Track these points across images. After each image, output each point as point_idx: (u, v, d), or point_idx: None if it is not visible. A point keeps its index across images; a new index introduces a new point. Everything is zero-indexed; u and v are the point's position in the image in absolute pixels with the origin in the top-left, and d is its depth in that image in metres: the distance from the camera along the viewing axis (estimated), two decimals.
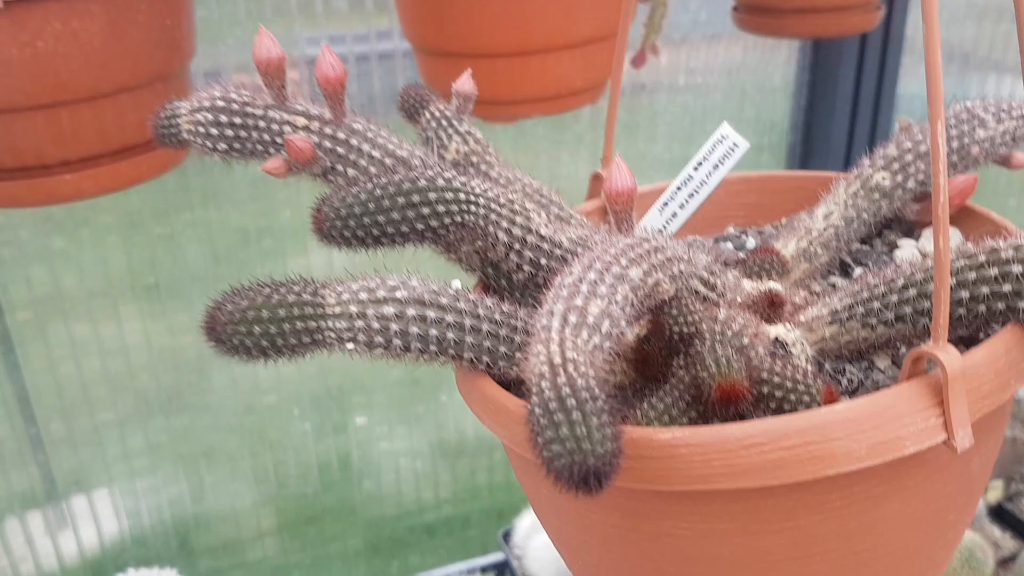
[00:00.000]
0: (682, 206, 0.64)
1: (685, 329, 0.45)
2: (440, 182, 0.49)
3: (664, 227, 0.65)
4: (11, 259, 1.31)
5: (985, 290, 0.44)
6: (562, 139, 1.50)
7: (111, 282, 1.40)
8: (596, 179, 0.65)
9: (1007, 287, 0.43)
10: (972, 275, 0.44)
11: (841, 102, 1.57)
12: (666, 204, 0.64)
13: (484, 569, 1.65)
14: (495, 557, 1.66)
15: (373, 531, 1.77)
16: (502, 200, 0.50)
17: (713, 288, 0.49)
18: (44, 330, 1.38)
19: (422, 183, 0.48)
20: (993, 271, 0.43)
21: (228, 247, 1.44)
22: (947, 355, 0.40)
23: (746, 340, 0.45)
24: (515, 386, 0.49)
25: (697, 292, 0.48)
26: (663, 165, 1.60)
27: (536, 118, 1.40)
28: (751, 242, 0.63)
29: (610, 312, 0.40)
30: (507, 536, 1.62)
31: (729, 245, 0.63)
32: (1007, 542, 1.66)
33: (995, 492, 1.75)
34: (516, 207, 0.51)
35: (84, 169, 0.90)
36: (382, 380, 1.65)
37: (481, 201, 0.49)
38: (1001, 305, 0.43)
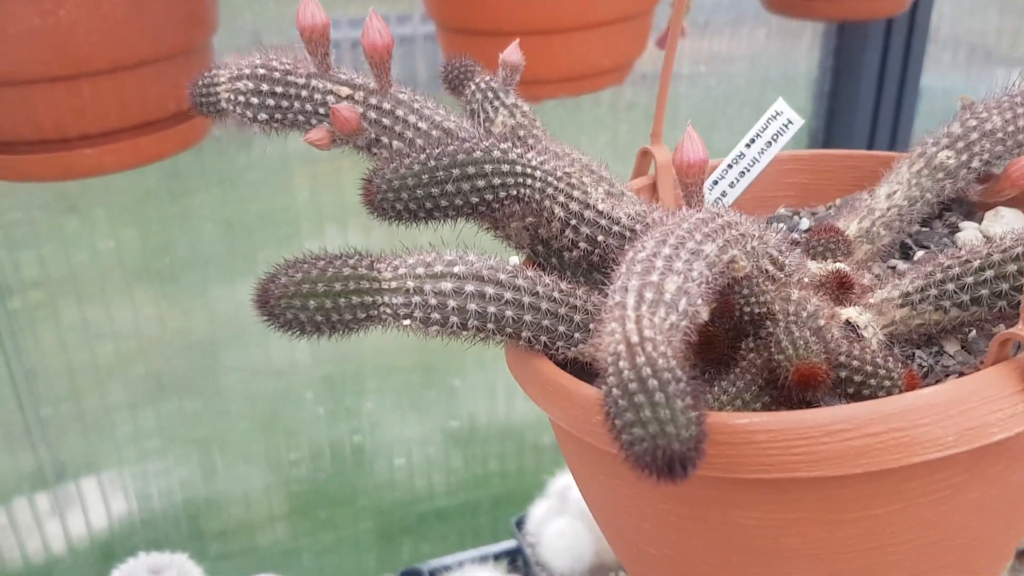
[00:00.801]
0: (732, 184, 0.62)
1: (757, 310, 0.43)
2: (496, 153, 0.47)
3: None
4: (24, 238, 1.29)
5: None
6: (581, 121, 1.48)
7: (124, 262, 1.38)
8: (644, 155, 0.63)
9: None
10: None
11: (865, 88, 1.55)
12: (716, 183, 0.62)
13: (496, 556, 1.64)
14: (507, 544, 1.64)
15: (384, 517, 1.76)
16: (559, 173, 0.48)
17: (782, 268, 0.47)
18: (57, 310, 1.36)
19: (477, 154, 0.46)
20: None
21: (243, 228, 1.42)
22: None
23: (822, 322, 0.43)
24: (570, 366, 0.47)
25: (766, 271, 0.46)
26: None
27: (556, 100, 1.38)
28: (804, 223, 0.61)
29: (687, 289, 0.38)
30: (520, 523, 1.61)
31: (782, 226, 0.61)
32: None
33: None
34: (574, 180, 0.48)
35: (104, 144, 0.88)
36: (395, 365, 1.64)
37: (538, 174, 0.47)
38: None
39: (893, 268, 0.56)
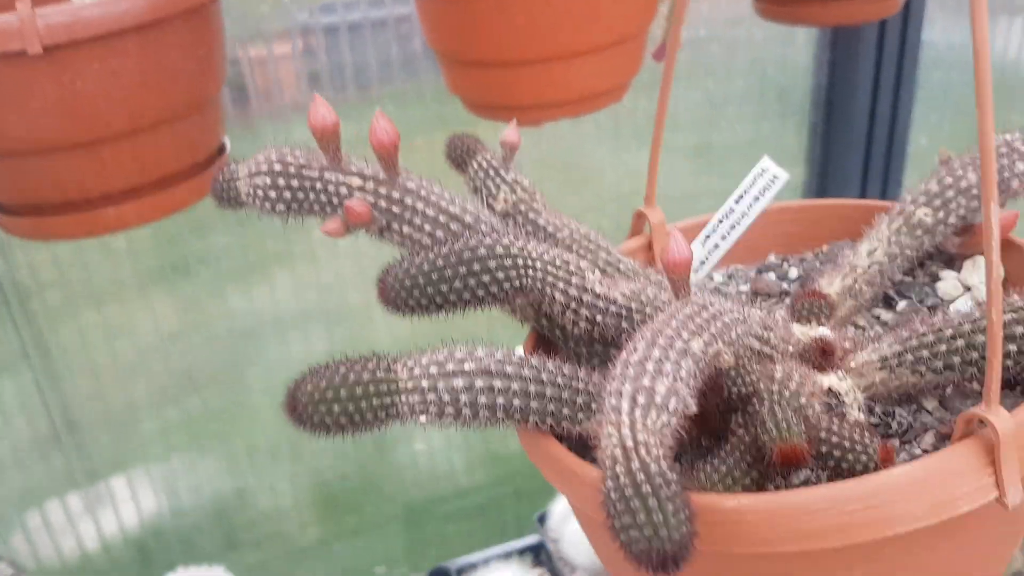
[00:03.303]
0: (724, 237, 0.66)
1: (744, 390, 0.47)
2: (499, 249, 0.50)
3: (706, 258, 0.66)
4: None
5: None
6: (583, 133, 1.51)
7: (138, 263, 1.42)
8: (639, 217, 0.66)
9: None
10: (1019, 329, 0.46)
11: (863, 79, 1.57)
12: (708, 236, 0.66)
13: (521, 552, 1.69)
14: (531, 540, 1.70)
15: (408, 513, 1.81)
16: (558, 262, 0.52)
17: (767, 342, 0.51)
18: (76, 312, 1.41)
19: (482, 251, 0.50)
20: None
21: (253, 222, 1.46)
22: (998, 418, 0.42)
23: (803, 400, 0.47)
24: (578, 442, 0.51)
25: (752, 348, 0.50)
26: (687, 152, 1.60)
27: None
28: (793, 272, 0.65)
29: (676, 389, 0.42)
30: (542, 519, 1.66)
31: (771, 275, 0.65)
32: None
33: None
34: (572, 268, 0.52)
35: (125, 201, 0.92)
36: None
37: (538, 265, 0.51)
38: None
39: (877, 317, 0.60)
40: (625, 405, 0.41)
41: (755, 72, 1.57)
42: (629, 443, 0.39)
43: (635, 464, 0.38)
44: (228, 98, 1.36)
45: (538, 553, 1.67)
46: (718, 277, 0.67)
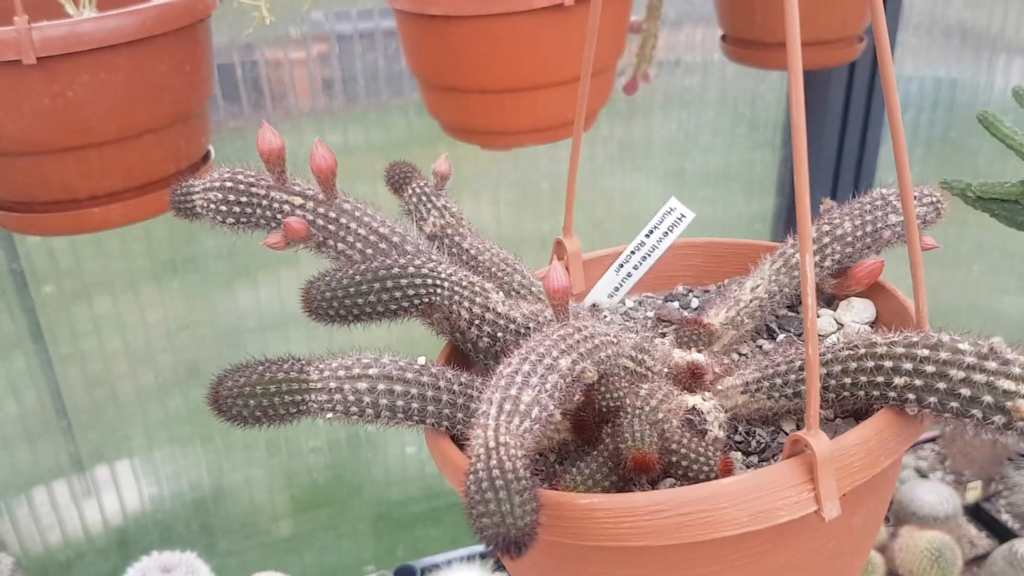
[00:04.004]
0: (636, 267, 0.72)
1: (611, 404, 0.54)
2: (411, 269, 0.57)
3: (620, 285, 0.73)
4: None
5: (863, 379, 0.52)
6: (557, 155, 1.58)
7: (131, 261, 1.49)
8: (559, 245, 0.73)
9: (880, 378, 0.51)
10: (853, 365, 0.52)
11: (832, 117, 1.63)
12: (621, 266, 0.72)
13: (483, 555, 1.76)
14: None
15: (379, 513, 1.88)
16: (464, 283, 0.59)
17: (641, 363, 0.57)
18: (68, 304, 1.48)
19: (395, 270, 0.57)
20: (869, 363, 0.52)
21: (245, 234, 1.53)
22: (817, 441, 0.48)
23: (661, 415, 0.53)
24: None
25: (626, 368, 0.56)
26: (660, 177, 1.67)
27: None
28: (695, 302, 0.71)
29: (539, 400, 0.48)
30: None
31: (676, 304, 0.72)
32: (982, 541, 1.74)
33: (974, 492, 1.83)
34: (476, 288, 0.59)
35: (110, 203, 1.00)
36: None
37: (447, 284, 0.58)
38: (876, 392, 0.52)
39: (760, 347, 0.66)
40: (493, 411, 0.47)
41: (727, 105, 1.64)
42: (492, 444, 0.46)
43: (493, 462, 0.45)
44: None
45: (499, 560, 1.73)
46: (630, 303, 0.73)
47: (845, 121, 1.62)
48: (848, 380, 0.53)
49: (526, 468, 0.45)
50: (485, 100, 1.17)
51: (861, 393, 0.52)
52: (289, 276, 1.60)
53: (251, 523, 1.78)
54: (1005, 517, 1.77)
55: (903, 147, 0.52)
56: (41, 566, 1.63)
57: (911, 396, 0.50)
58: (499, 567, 1.74)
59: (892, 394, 0.51)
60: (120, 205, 1.00)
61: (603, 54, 1.19)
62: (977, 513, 1.80)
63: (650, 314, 0.71)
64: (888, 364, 0.51)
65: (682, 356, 0.61)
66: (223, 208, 0.65)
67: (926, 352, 0.50)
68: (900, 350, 0.51)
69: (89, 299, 1.49)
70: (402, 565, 1.75)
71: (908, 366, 0.50)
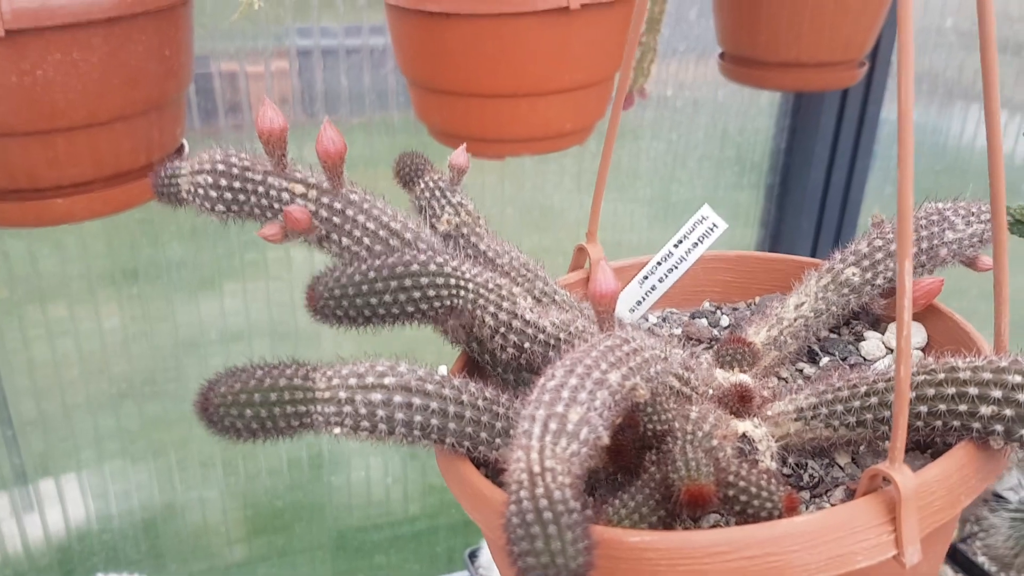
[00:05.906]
0: (661, 280, 0.66)
1: (659, 427, 0.48)
2: (432, 267, 0.51)
3: (643, 299, 0.67)
4: None
5: (942, 407, 0.46)
6: (546, 169, 1.53)
7: (89, 264, 1.41)
8: (580, 251, 0.67)
9: (963, 407, 0.46)
10: (931, 391, 0.47)
11: (820, 149, 1.60)
12: (646, 278, 0.67)
13: None
14: (458, 575, 1.68)
15: (340, 536, 1.79)
16: (490, 285, 0.52)
17: (687, 383, 0.51)
18: (20, 306, 1.39)
19: (415, 267, 0.50)
20: (951, 390, 0.46)
21: (208, 233, 1.45)
22: (902, 476, 0.42)
23: (715, 442, 0.47)
24: (494, 468, 0.51)
25: (671, 387, 0.50)
26: (646, 202, 1.62)
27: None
28: (724, 320, 0.66)
29: (589, 419, 0.42)
30: (473, 555, 1.64)
31: (704, 321, 0.66)
32: None
33: None
34: (504, 292, 0.53)
35: (76, 194, 0.92)
36: None
37: (471, 286, 0.52)
38: (956, 423, 0.46)
39: (800, 371, 0.61)
40: (536, 430, 0.41)
41: (716, 133, 1.60)
42: (536, 468, 0.39)
43: (539, 490, 0.38)
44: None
45: None
46: (653, 318, 0.67)
47: (835, 149, 1.60)
48: (924, 408, 0.47)
49: (576, 499, 0.39)
50: (480, 105, 1.11)
51: (939, 423, 0.47)
52: (256, 288, 1.52)
53: (203, 546, 1.67)
54: (982, 559, 1.74)
55: (1000, 165, 0.47)
56: None
57: (998, 428, 0.45)
58: None
59: (976, 425, 0.46)
60: (86, 197, 0.92)
61: (603, 63, 1.14)
62: (954, 555, 1.76)
63: (676, 331, 0.65)
64: (973, 391, 0.45)
65: (725, 377, 0.55)
66: (212, 194, 0.57)
67: (1019, 379, 0.44)
68: (987, 376, 0.45)
69: (42, 302, 1.40)
70: None
71: (997, 394, 0.45)
